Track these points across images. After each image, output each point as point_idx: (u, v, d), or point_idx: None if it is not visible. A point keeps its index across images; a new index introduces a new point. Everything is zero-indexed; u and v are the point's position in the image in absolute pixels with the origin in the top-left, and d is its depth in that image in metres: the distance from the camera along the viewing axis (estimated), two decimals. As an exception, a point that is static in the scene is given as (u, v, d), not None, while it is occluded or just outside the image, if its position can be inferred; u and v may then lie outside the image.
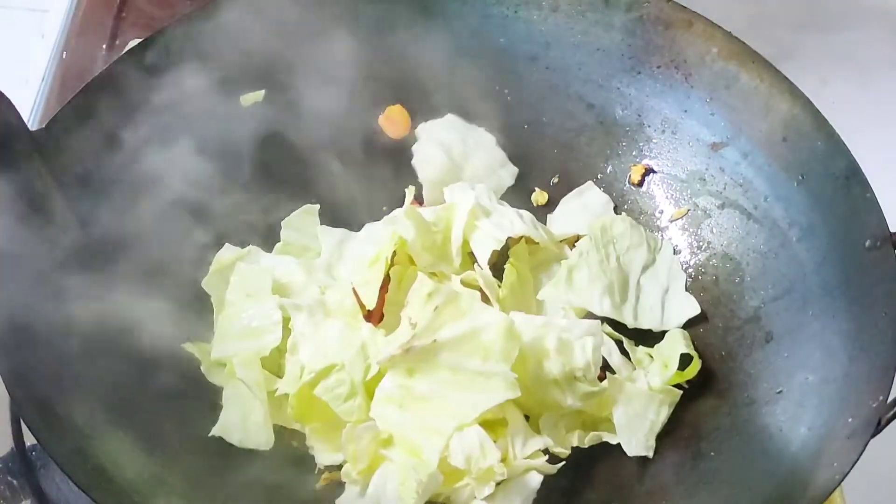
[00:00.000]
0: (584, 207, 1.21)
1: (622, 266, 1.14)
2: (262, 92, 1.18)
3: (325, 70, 1.19)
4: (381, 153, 1.22)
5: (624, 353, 1.09)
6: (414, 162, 1.17)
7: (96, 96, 1.06)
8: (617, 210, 1.21)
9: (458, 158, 1.19)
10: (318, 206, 1.16)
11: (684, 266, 1.17)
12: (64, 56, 1.45)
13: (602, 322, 1.07)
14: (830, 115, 1.08)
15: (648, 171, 1.21)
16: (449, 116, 1.23)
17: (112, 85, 1.08)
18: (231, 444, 1.01)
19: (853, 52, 1.65)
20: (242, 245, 1.12)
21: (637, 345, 1.11)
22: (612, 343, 1.09)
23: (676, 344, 1.08)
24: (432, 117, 1.22)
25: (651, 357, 1.09)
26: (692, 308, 1.13)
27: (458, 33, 1.22)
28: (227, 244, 1.11)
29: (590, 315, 1.09)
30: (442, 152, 1.19)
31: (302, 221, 1.16)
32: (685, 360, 1.07)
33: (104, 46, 1.46)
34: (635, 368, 1.08)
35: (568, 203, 1.22)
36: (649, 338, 1.11)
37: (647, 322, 1.12)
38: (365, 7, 1.20)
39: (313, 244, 1.15)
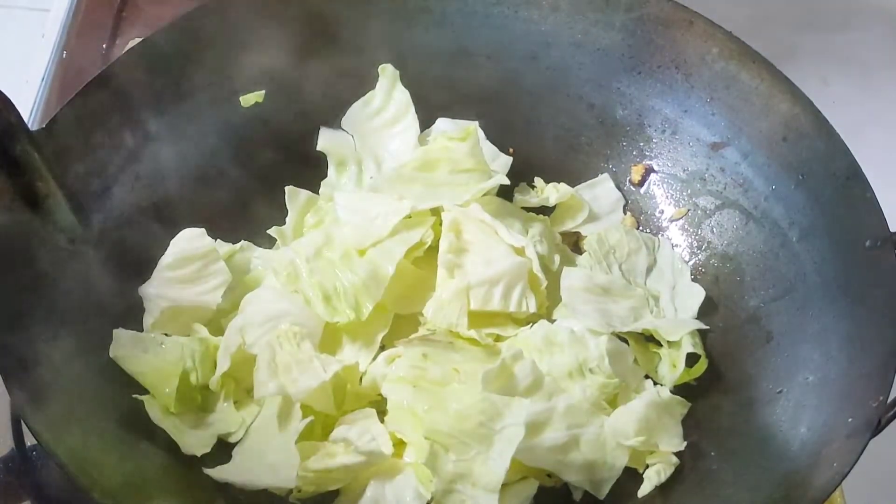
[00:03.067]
0: (593, 200, 1.21)
1: (625, 275, 1.14)
2: (263, 91, 1.18)
3: (325, 69, 1.19)
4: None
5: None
6: None
7: (96, 96, 1.06)
8: (617, 210, 1.21)
9: None
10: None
11: (684, 267, 1.17)
12: (64, 56, 1.45)
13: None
14: (831, 115, 1.08)
15: (648, 171, 1.21)
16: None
17: (112, 85, 1.08)
18: (228, 449, 1.01)
19: (854, 52, 1.65)
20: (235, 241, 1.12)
21: (646, 341, 1.10)
22: (626, 346, 1.08)
23: (684, 343, 1.08)
24: (432, 117, 1.22)
25: (659, 356, 1.09)
26: (699, 294, 1.13)
27: (458, 33, 1.22)
28: (218, 240, 1.11)
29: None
30: None
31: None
32: (692, 359, 1.07)
33: (104, 46, 1.46)
34: (646, 376, 1.08)
35: (579, 193, 1.21)
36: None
37: (663, 327, 1.09)
38: (366, 7, 1.20)
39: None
